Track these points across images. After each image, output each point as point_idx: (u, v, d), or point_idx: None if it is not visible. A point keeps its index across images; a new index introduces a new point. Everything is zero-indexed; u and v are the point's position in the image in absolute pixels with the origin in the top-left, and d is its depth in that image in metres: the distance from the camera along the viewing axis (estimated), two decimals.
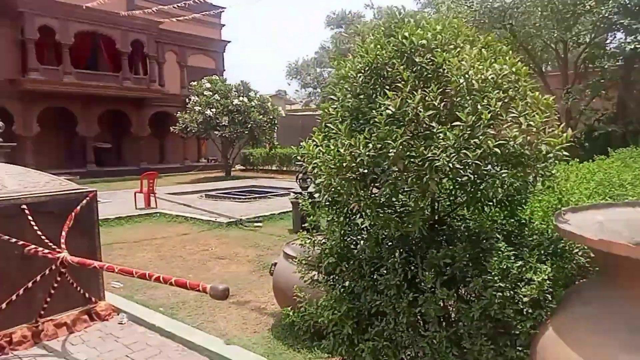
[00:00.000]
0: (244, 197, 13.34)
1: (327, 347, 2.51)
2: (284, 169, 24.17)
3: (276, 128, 20.17)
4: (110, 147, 22.88)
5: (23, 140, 17.77)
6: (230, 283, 4.27)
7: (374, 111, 2.10)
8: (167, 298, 4.93)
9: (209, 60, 25.30)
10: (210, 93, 18.66)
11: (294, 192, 8.91)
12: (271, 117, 19.41)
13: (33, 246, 3.50)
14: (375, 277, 2.34)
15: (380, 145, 1.96)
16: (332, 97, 2.48)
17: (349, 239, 2.47)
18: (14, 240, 3.47)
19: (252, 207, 11.47)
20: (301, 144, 2.37)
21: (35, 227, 3.57)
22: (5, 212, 3.49)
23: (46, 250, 3.45)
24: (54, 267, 3.46)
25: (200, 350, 3.53)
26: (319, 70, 38.42)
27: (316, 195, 2.58)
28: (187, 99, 23.71)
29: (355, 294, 2.44)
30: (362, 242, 2.40)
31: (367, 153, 1.98)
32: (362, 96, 2.20)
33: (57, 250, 3.49)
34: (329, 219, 2.58)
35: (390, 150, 1.91)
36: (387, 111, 1.96)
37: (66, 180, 4.13)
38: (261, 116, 18.81)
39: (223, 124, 18.23)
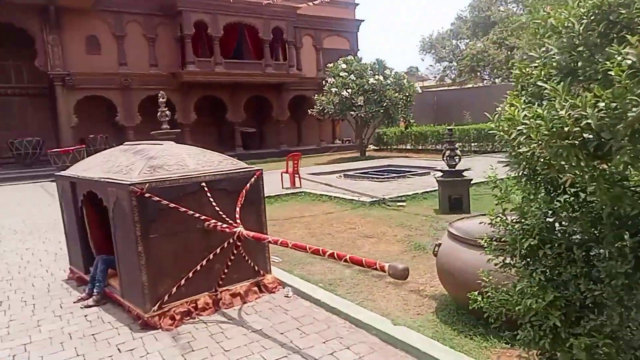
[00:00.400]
0: (382, 176, 13.22)
1: (525, 338, 2.22)
2: (419, 147, 23.51)
3: (412, 105, 19.59)
4: (254, 132, 24.56)
5: (183, 127, 19.93)
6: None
7: (599, 65, 1.72)
8: (323, 274, 5.01)
9: (343, 40, 25.50)
10: (346, 74, 18.77)
11: (439, 171, 8.47)
12: (407, 94, 18.88)
13: (213, 221, 3.76)
14: (592, 262, 1.98)
15: (615, 105, 1.59)
16: (531, 54, 2.12)
17: (553, 218, 2.13)
18: (197, 215, 3.76)
19: (391, 187, 11.28)
20: (497, 109, 2.08)
21: (214, 203, 3.83)
22: (188, 189, 3.80)
23: (224, 225, 3.68)
24: (231, 240, 3.67)
25: (368, 328, 3.48)
26: (455, 42, 36.36)
27: (465, 172, 2.26)
28: (322, 82, 24.33)
29: (562, 282, 2.10)
30: (570, 221, 2.04)
31: (596, 114, 1.63)
32: (581, 48, 1.82)
33: (234, 225, 3.70)
34: (523, 195, 2.25)
35: (632, 111, 1.54)
36: (626, 61, 1.58)
37: (236, 160, 4.37)
38: (397, 94, 18.41)
39: (358, 104, 18.26)
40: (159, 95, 12.76)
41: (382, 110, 18.31)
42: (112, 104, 19.20)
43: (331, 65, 19.70)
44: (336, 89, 18.46)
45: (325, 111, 19.28)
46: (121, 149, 4.58)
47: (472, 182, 8.26)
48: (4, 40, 18.94)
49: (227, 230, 3.66)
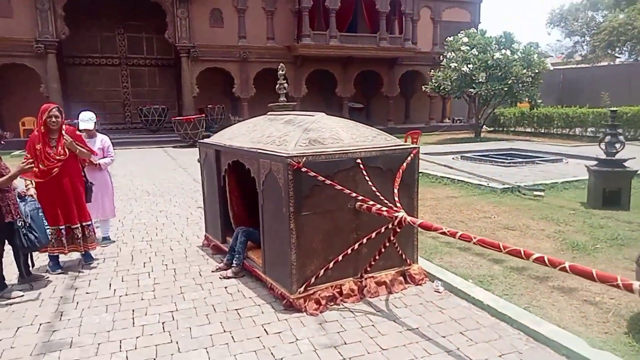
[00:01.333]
0: (506, 160, 12.06)
1: None
2: (542, 131, 21.39)
3: (539, 84, 17.69)
4: (362, 107, 24.06)
5: (293, 100, 20.03)
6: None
7: None
8: (469, 268, 4.44)
9: (464, 13, 23.75)
10: (468, 48, 17.40)
11: (595, 159, 7.32)
12: (536, 71, 17.04)
13: (371, 202, 3.38)
14: None
15: None
16: None
17: None
18: (354, 194, 3.40)
19: (522, 173, 10.18)
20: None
21: (370, 183, 3.44)
22: (343, 165, 3.44)
23: (384, 208, 3.28)
24: (390, 225, 3.26)
25: (554, 346, 2.88)
26: (591, 14, 32.32)
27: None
28: (437, 57, 22.97)
29: None
30: None
31: None
32: None
33: (394, 209, 3.28)
34: None
35: None
36: None
37: (389, 136, 3.93)
38: (524, 70, 16.68)
39: (479, 80, 16.86)
40: (279, 67, 12.69)
41: (505, 88, 16.73)
42: (229, 76, 19.83)
43: (451, 39, 18.39)
44: (456, 64, 17.21)
45: (441, 88, 18.14)
46: (267, 119, 4.37)
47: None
48: (138, 14, 20.32)
49: (386, 214, 3.24)
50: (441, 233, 2.81)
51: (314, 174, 3.24)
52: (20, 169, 3.67)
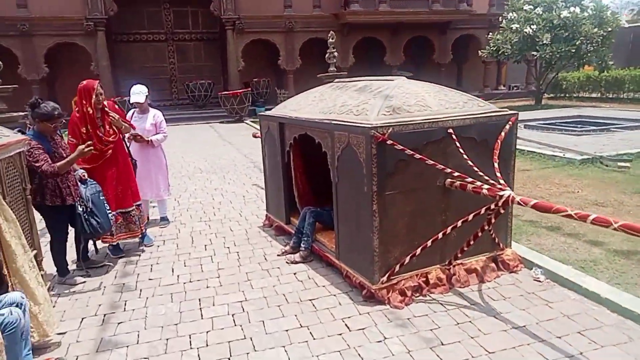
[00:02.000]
0: (577, 128, 11.05)
1: None
2: (610, 96, 19.71)
3: (611, 44, 16.12)
4: (411, 76, 22.99)
5: (339, 70, 19.36)
6: None
7: None
8: (564, 251, 3.87)
9: None
10: (531, 7, 16.03)
11: None
12: (609, 29, 15.49)
13: (469, 179, 2.88)
14: None
15: None
16: None
17: None
18: (449, 170, 2.91)
19: (598, 142, 9.22)
20: None
21: (465, 156, 2.93)
22: (433, 136, 2.95)
23: (485, 186, 2.77)
24: (492, 206, 2.76)
25: None
26: None
27: None
28: (494, 19, 21.48)
29: None
30: None
31: None
32: None
33: (498, 186, 2.77)
34: None
35: None
36: None
37: (482, 101, 3.38)
38: (596, 29, 15.19)
39: (543, 42, 15.53)
40: (329, 35, 12.14)
41: (573, 50, 15.33)
42: (274, 48, 19.36)
43: None
44: (517, 25, 15.92)
45: (500, 52, 16.91)
46: (336, 87, 3.90)
47: None
48: None
49: (487, 192, 2.74)
50: (566, 216, 2.29)
51: (401, 147, 2.77)
52: (80, 152, 3.37)
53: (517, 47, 16.26)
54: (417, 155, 2.81)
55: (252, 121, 17.02)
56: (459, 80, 24.05)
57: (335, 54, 12.40)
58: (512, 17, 16.40)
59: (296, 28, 19.12)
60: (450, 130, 2.97)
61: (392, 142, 2.75)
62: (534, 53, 16.01)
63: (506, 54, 16.75)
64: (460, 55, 22.33)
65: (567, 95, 21.39)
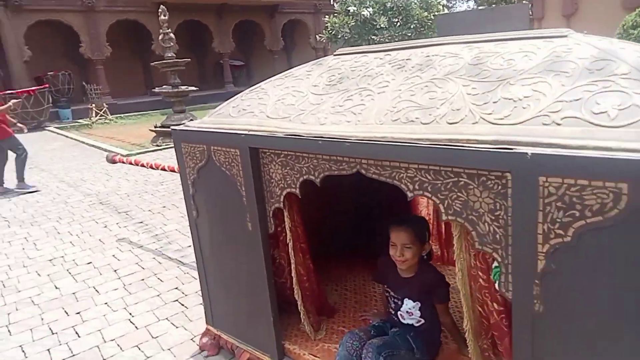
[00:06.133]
0: None
1: None
2: None
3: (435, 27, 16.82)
4: (243, 65, 21.09)
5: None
6: None
7: None
8: None
9: None
10: None
11: None
12: (436, 13, 16.03)
13: None
14: None
15: None
16: None
17: None
18: None
19: None
20: None
21: None
22: None
23: None
24: None
25: None
26: None
27: None
28: (318, 4, 20.90)
29: None
30: None
31: None
32: None
33: None
34: None
35: None
36: None
37: None
38: (425, 13, 15.55)
39: (381, 26, 15.28)
40: (160, 11, 9.35)
41: (409, 34, 15.44)
42: (72, 32, 15.19)
43: None
44: (354, 9, 15.32)
45: (338, 37, 16.17)
46: (372, 65, 1.79)
47: None
48: None
49: None
50: None
51: None
52: None
53: (356, 31, 15.73)
54: None
55: (57, 127, 12.93)
56: (290, 68, 23.03)
57: (172, 35, 9.70)
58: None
59: (98, 7, 15.27)
60: None
61: None
62: (373, 37, 15.69)
63: (345, 38, 16.09)
64: (288, 42, 21.25)
65: None
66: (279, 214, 1.88)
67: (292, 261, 1.96)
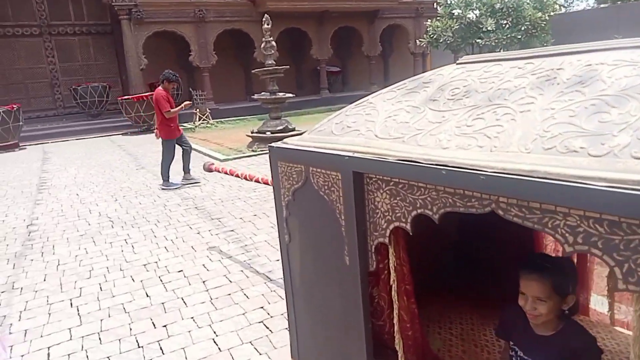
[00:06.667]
0: None
1: None
2: None
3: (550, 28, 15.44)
4: (339, 71, 21.13)
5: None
6: None
7: None
8: None
9: None
10: None
11: None
12: (552, 13, 14.73)
13: None
14: None
15: None
16: None
17: None
18: None
19: None
20: None
21: None
22: None
23: None
24: None
25: None
26: None
27: None
28: (419, 8, 20.30)
29: None
30: None
31: None
32: None
33: None
34: None
35: None
36: None
37: None
38: (539, 13, 14.32)
39: (488, 28, 14.35)
40: (264, 20, 9.59)
41: (519, 37, 14.33)
42: (184, 41, 16.24)
43: None
44: (460, 11, 14.56)
45: (440, 41, 15.49)
46: (510, 75, 1.46)
47: None
48: None
49: None
50: None
51: None
52: None
53: (459, 34, 14.94)
54: None
55: None
56: (386, 74, 22.68)
57: (273, 43, 9.87)
58: (451, 2, 15.03)
59: (208, 17, 16.17)
60: None
61: None
62: (479, 41, 14.80)
63: (448, 42, 15.37)
64: (386, 47, 20.88)
65: None
66: (382, 249, 1.60)
67: (395, 305, 1.66)
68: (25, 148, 12.43)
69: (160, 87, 6.65)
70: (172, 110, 6.50)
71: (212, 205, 5.56)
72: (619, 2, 26.27)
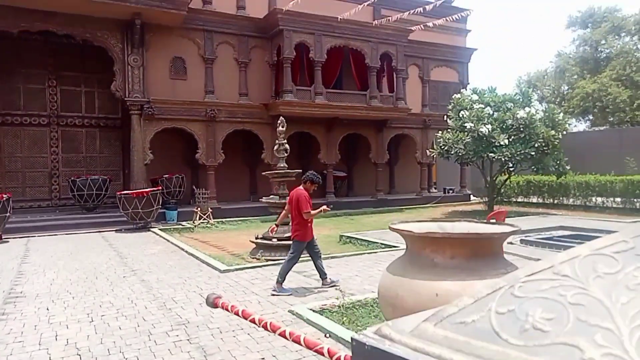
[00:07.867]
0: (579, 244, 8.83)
1: None
2: (549, 201, 19.02)
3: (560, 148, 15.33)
4: (345, 176, 20.83)
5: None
6: None
7: None
8: None
9: (452, 72, 21.76)
10: (482, 106, 14.88)
11: None
12: (564, 132, 14.68)
13: None
14: None
15: None
16: None
17: None
18: None
19: None
20: None
21: None
22: None
23: None
24: None
25: None
26: (559, 82, 31.98)
27: None
28: (427, 119, 20.59)
29: None
30: None
31: None
32: None
33: None
34: None
35: None
36: None
37: None
38: (552, 131, 14.26)
39: (500, 143, 14.17)
40: (279, 122, 9.21)
41: (532, 153, 14.11)
42: (192, 139, 16.02)
43: (457, 96, 15.95)
44: (472, 124, 14.49)
45: (451, 152, 15.28)
46: None
47: None
48: (75, 63, 16.44)
49: None
50: None
51: None
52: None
53: (471, 147, 14.74)
54: None
55: (161, 229, 12.96)
56: (392, 182, 22.40)
57: (287, 145, 9.39)
58: (463, 115, 15.05)
59: (219, 117, 16.11)
60: None
61: None
62: (492, 155, 14.56)
63: (459, 154, 15.13)
64: (392, 155, 20.82)
65: (508, 199, 20.46)
66: None
67: None
68: (7, 241, 11.42)
69: (301, 187, 6.56)
70: (312, 212, 6.28)
71: (209, 337, 4.48)
72: (615, 127, 27.11)
